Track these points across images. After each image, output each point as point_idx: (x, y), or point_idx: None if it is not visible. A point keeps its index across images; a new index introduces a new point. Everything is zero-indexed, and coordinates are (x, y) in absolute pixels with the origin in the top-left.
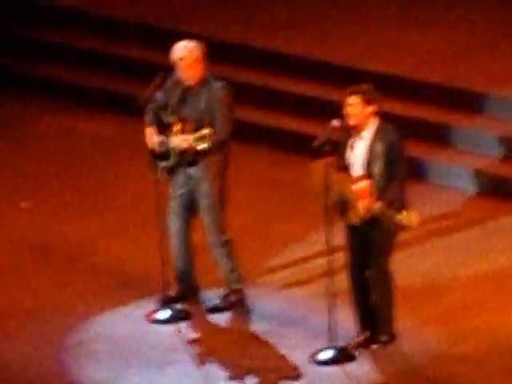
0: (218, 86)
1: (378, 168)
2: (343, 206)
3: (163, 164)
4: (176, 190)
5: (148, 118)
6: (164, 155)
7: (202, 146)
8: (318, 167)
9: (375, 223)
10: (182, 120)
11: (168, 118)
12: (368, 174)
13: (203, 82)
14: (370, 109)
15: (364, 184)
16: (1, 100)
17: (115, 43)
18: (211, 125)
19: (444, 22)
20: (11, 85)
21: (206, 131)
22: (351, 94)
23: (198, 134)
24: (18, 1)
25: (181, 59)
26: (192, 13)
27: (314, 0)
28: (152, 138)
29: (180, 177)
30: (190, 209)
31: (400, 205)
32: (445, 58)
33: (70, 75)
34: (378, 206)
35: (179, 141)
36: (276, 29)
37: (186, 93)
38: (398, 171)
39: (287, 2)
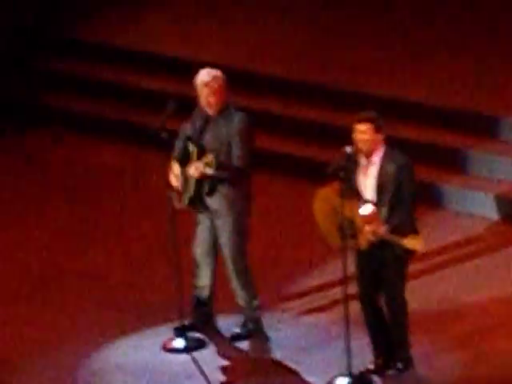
0: (238, 116)
1: (386, 192)
2: (351, 231)
3: (183, 195)
4: (201, 221)
5: (175, 150)
6: (187, 185)
7: (210, 171)
8: (324, 193)
9: (386, 248)
10: (201, 149)
11: (192, 147)
12: (377, 199)
13: (224, 112)
14: (380, 136)
15: (371, 209)
16: (14, 130)
17: (126, 73)
18: (229, 155)
19: (455, 46)
20: (24, 115)
21: (210, 157)
22: (361, 121)
23: (205, 160)
24: (34, 31)
25: (205, 85)
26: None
27: (322, 28)
28: (171, 172)
29: (202, 208)
30: (214, 240)
31: (407, 229)
32: (462, 83)
33: (81, 105)
34: (383, 230)
35: (192, 169)
36: (284, 55)
37: (207, 122)
38: (406, 195)
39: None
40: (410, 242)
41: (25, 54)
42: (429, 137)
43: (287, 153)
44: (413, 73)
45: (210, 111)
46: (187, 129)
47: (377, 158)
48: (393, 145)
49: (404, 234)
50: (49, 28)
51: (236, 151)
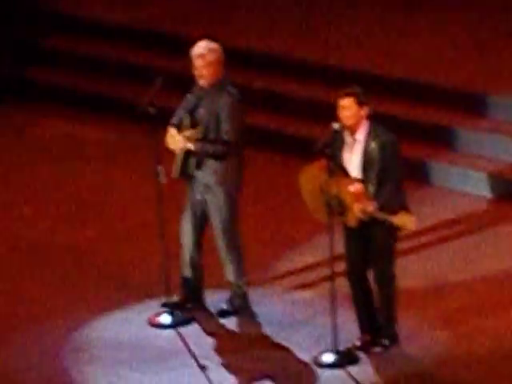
0: (229, 94)
1: (372, 169)
2: (340, 209)
3: (176, 165)
4: (190, 197)
5: (173, 118)
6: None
7: (190, 145)
8: (310, 170)
9: (375, 225)
10: (193, 123)
11: (185, 120)
12: (364, 176)
13: (217, 86)
14: (364, 110)
15: (358, 186)
16: (3, 106)
17: (117, 48)
18: (218, 130)
19: (447, 24)
20: (14, 91)
21: (194, 131)
22: (344, 95)
23: (187, 133)
24: (22, 5)
25: (200, 56)
26: (195, 17)
27: (316, 5)
28: (168, 136)
29: (193, 183)
30: (204, 214)
31: (396, 206)
32: (451, 60)
33: (70, 81)
34: (371, 207)
35: (177, 141)
36: (276, 32)
37: (201, 95)
38: (392, 172)
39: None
40: (401, 220)
41: (11, 27)
42: (418, 114)
43: (276, 129)
44: (404, 51)
45: (204, 83)
46: (189, 99)
47: (361, 135)
48: (378, 121)
49: (393, 212)
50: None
51: (224, 125)
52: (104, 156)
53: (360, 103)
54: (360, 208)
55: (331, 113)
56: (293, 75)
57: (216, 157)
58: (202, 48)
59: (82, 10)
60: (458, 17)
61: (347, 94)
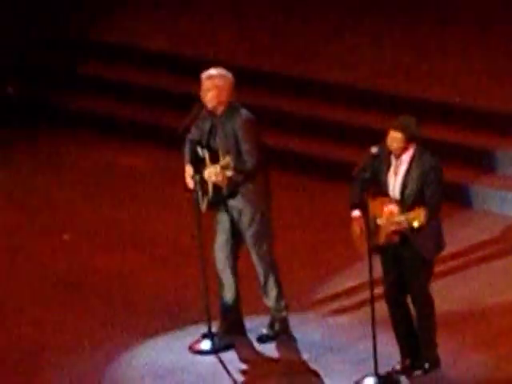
0: (241, 114)
1: (411, 192)
2: (375, 230)
3: (204, 198)
4: (221, 222)
5: (185, 154)
6: (202, 188)
7: (229, 173)
8: (357, 219)
9: (407, 247)
10: (213, 152)
11: (202, 151)
12: (401, 198)
13: (229, 112)
14: (412, 144)
15: (393, 207)
16: (39, 133)
17: (153, 75)
18: (238, 153)
19: (482, 45)
20: (49, 118)
21: (227, 159)
22: (396, 128)
23: (222, 162)
24: (56, 32)
25: (208, 78)
26: (224, 42)
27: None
28: (187, 174)
29: (222, 210)
30: (236, 240)
31: (430, 230)
32: (489, 84)
33: (107, 108)
34: (393, 208)
35: (209, 174)
36: (311, 57)
37: (215, 124)
38: (431, 198)
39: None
40: (413, 214)
41: (51, 54)
42: (457, 137)
43: (317, 155)
44: (441, 74)
45: (216, 109)
46: (194, 134)
47: (406, 158)
48: (425, 144)
49: (425, 237)
50: (73, 28)
51: (245, 146)
52: (140, 183)
53: (410, 138)
54: (394, 229)
55: (372, 137)
56: (332, 99)
57: (245, 180)
58: (209, 73)
59: (119, 36)
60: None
61: (399, 128)
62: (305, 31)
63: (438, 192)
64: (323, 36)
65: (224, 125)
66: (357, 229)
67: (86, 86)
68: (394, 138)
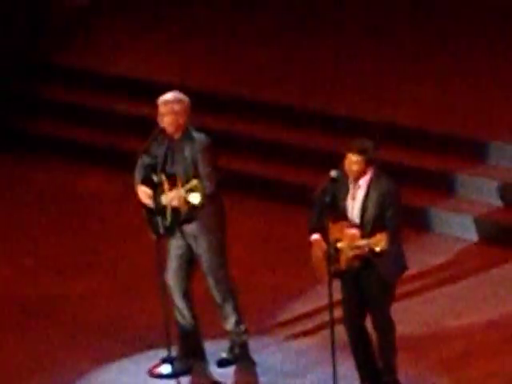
0: (199, 138)
1: (370, 216)
2: (336, 254)
3: (160, 223)
4: (174, 249)
5: (137, 176)
6: (160, 213)
7: (195, 198)
8: (317, 242)
9: (372, 272)
10: (171, 177)
11: (157, 176)
12: (361, 222)
13: (185, 136)
14: (370, 166)
15: (354, 231)
16: (1, 157)
17: (109, 98)
18: (197, 177)
19: (443, 72)
20: (11, 142)
21: (194, 181)
22: (354, 151)
23: (188, 186)
24: (17, 57)
25: (165, 104)
26: (188, 66)
27: (313, 50)
28: (145, 195)
29: (177, 235)
30: (191, 265)
31: (391, 253)
32: (447, 107)
33: (67, 132)
34: (354, 232)
35: (171, 197)
36: (271, 81)
37: (172, 148)
38: (391, 221)
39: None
40: (375, 240)
41: (11, 78)
42: (415, 160)
43: (274, 178)
44: (398, 97)
45: (174, 134)
46: (147, 159)
47: (363, 182)
48: (382, 167)
49: (388, 259)
50: (34, 53)
51: (203, 172)
52: (103, 207)
53: (368, 161)
54: (349, 246)
55: (330, 160)
56: (294, 124)
57: (201, 205)
58: (166, 98)
59: (81, 60)
60: (455, 66)
61: (357, 151)
62: (260, 54)
63: (396, 215)
64: (282, 59)
65: (182, 149)
66: (318, 252)
67: (47, 110)
68: (353, 161)
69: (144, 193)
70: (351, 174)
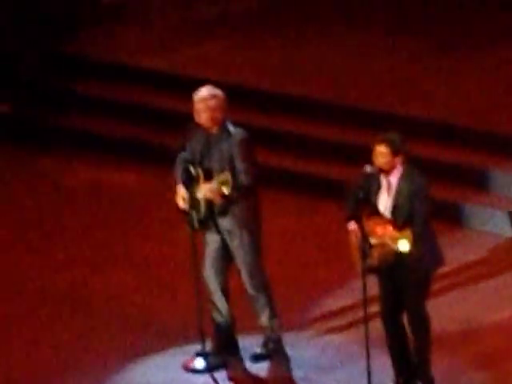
0: (236, 132)
1: (402, 212)
2: (369, 249)
3: (195, 217)
4: (210, 243)
5: (177, 174)
6: (194, 206)
7: (226, 190)
8: (354, 231)
9: (404, 267)
10: (208, 171)
11: (194, 170)
12: (393, 219)
13: (223, 130)
14: (398, 158)
15: (387, 227)
16: (28, 152)
17: (143, 93)
18: (233, 172)
19: (482, 66)
20: (38, 137)
21: (225, 174)
22: (380, 142)
23: (220, 179)
24: (48, 52)
25: (200, 100)
26: (218, 61)
27: (335, 48)
28: (178, 195)
29: (213, 229)
30: (226, 259)
31: (422, 249)
32: (484, 104)
33: (96, 126)
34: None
35: (205, 190)
36: (301, 76)
37: (209, 143)
38: (419, 218)
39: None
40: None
41: (36, 74)
42: (449, 155)
43: (305, 172)
44: (434, 93)
45: (211, 129)
46: (186, 153)
47: (394, 179)
48: (413, 164)
49: (419, 254)
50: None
51: (240, 166)
52: (131, 201)
53: (395, 152)
54: (388, 248)
55: (364, 155)
56: (324, 118)
57: (238, 200)
58: (202, 94)
59: (110, 55)
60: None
61: (383, 142)
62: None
63: (425, 212)
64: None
65: (219, 143)
66: (355, 240)
67: (75, 104)
68: (380, 152)
69: (179, 193)
70: (379, 167)
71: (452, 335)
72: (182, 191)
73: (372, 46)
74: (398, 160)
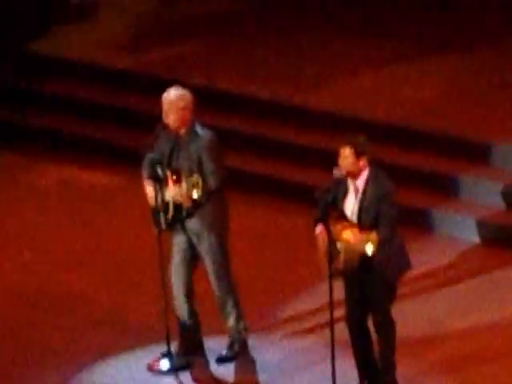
0: (204, 134)
1: (368, 217)
2: (336, 253)
3: (163, 218)
4: (177, 244)
5: (144, 172)
6: (162, 208)
7: (196, 193)
8: (322, 234)
9: (374, 271)
10: (175, 172)
11: (162, 171)
12: (359, 223)
13: (191, 132)
14: (362, 160)
15: (353, 232)
16: (0, 151)
17: (114, 93)
18: (201, 174)
19: (448, 72)
20: (11, 135)
21: (195, 177)
22: (344, 145)
23: (189, 182)
24: (16, 51)
25: (169, 101)
26: (191, 63)
27: (312, 50)
28: (148, 193)
29: (180, 231)
30: (193, 260)
31: (389, 253)
32: (453, 109)
33: (69, 126)
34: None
35: (174, 193)
36: (273, 79)
37: (177, 144)
38: (386, 220)
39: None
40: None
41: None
42: (418, 162)
43: (275, 175)
44: (402, 98)
45: (179, 130)
46: (154, 152)
47: (361, 182)
48: (380, 169)
49: (387, 260)
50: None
51: (208, 168)
52: (100, 201)
53: (358, 153)
54: (346, 243)
55: (335, 159)
56: (294, 122)
57: (206, 201)
58: (169, 96)
59: (77, 54)
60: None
61: (347, 144)
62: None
63: (392, 215)
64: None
65: (187, 145)
66: (322, 244)
67: (47, 103)
68: (344, 154)
69: (148, 191)
70: (345, 169)
71: (418, 340)
72: (150, 190)
73: (347, 50)
74: (363, 162)
